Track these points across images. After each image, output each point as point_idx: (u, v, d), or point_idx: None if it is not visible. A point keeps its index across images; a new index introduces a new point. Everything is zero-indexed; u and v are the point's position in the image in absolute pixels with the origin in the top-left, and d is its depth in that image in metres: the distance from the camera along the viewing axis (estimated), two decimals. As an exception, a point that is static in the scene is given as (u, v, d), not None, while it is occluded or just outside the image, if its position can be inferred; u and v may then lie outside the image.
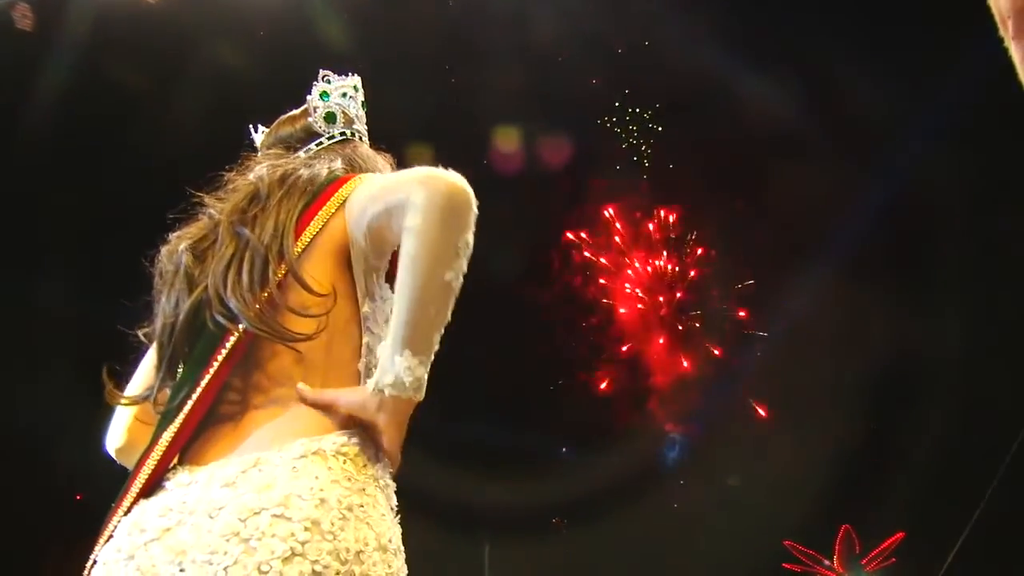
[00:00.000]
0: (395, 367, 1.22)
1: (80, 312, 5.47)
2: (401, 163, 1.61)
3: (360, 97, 1.65)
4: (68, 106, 5.13)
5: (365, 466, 1.26)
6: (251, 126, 1.69)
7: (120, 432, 1.47)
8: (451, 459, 6.22)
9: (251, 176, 1.45)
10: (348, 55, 4.80)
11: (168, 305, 1.37)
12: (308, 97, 1.61)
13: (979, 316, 6.69)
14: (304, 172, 1.43)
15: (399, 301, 1.23)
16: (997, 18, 0.74)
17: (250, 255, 1.32)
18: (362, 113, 1.65)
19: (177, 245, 1.41)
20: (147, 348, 1.48)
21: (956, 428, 6.78)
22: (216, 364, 1.29)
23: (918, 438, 6.82)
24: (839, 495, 7.33)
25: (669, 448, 8.14)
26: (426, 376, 1.24)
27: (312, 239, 1.35)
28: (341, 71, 1.67)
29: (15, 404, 5.57)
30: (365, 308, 1.39)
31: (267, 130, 1.65)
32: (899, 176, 6.80)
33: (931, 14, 5.63)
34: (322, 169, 1.45)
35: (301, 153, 1.55)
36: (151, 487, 1.27)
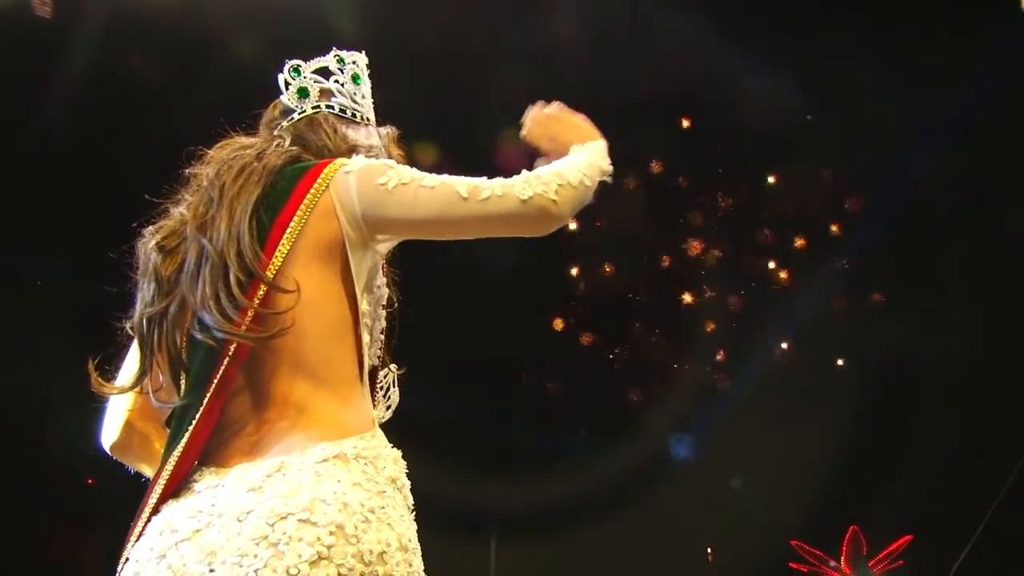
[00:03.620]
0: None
1: (91, 299, 5.49)
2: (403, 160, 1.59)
3: (351, 70, 1.59)
4: (86, 93, 5.17)
5: (384, 468, 1.30)
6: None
7: (115, 428, 1.49)
8: (457, 455, 6.24)
9: (207, 172, 1.45)
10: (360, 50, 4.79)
11: (146, 297, 1.40)
12: (280, 76, 1.58)
13: (986, 315, 6.66)
14: (255, 164, 1.41)
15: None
16: None
17: (210, 264, 1.33)
18: (354, 87, 1.59)
19: (149, 241, 1.44)
20: (133, 340, 1.49)
21: (967, 430, 6.75)
22: (218, 375, 1.30)
23: (928, 439, 6.79)
24: (847, 496, 7.31)
25: (677, 447, 8.13)
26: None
27: (295, 241, 1.34)
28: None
29: (25, 388, 5.61)
30: (363, 305, 1.41)
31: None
32: (901, 176, 6.77)
33: (934, 14, 5.61)
34: (272, 157, 1.42)
35: (273, 131, 1.54)
36: (178, 487, 1.29)
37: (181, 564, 1.19)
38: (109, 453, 1.49)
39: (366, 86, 1.61)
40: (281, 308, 1.30)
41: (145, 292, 1.40)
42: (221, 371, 1.29)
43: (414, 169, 1.37)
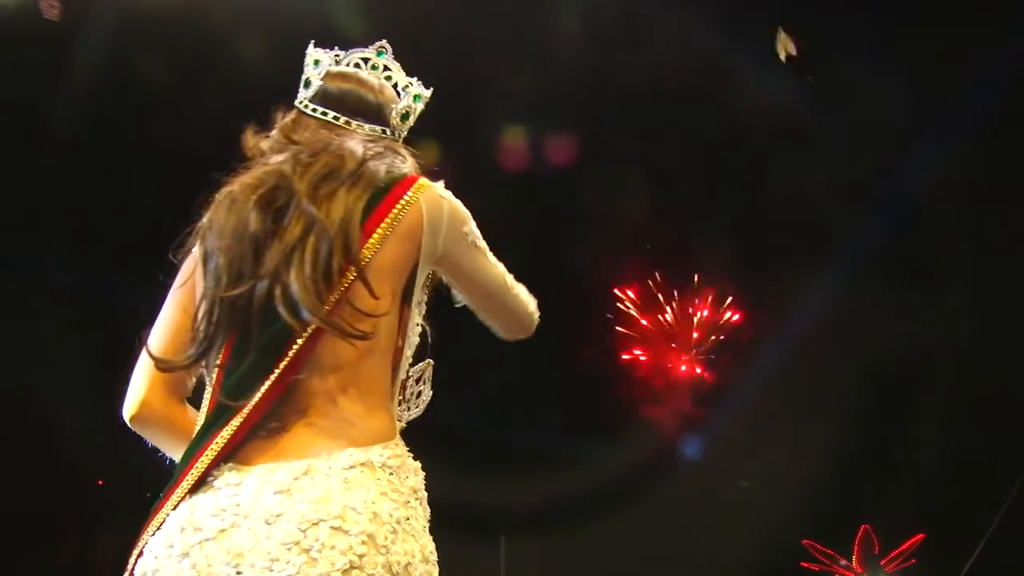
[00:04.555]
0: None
1: (99, 299, 5.53)
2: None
3: (419, 107, 1.58)
4: (94, 96, 5.18)
5: (407, 478, 1.30)
6: (312, 43, 1.56)
7: (137, 399, 1.41)
8: (467, 455, 6.25)
9: (341, 141, 1.40)
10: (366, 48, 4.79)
11: (229, 270, 1.31)
12: (402, 86, 1.55)
13: (993, 313, 6.63)
14: (376, 165, 1.39)
15: None
16: None
17: (314, 244, 1.28)
18: (412, 121, 1.59)
19: (246, 197, 1.34)
20: (164, 296, 1.44)
21: (979, 428, 6.72)
22: (284, 364, 1.27)
23: (940, 438, 6.76)
24: (859, 495, 7.29)
25: (686, 446, 8.12)
26: None
27: (384, 239, 1.32)
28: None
29: (34, 388, 5.63)
30: (415, 318, 1.42)
31: (336, 71, 1.53)
32: (903, 176, 6.75)
33: (937, 14, 5.59)
34: (381, 166, 1.40)
35: (366, 126, 1.49)
36: (198, 483, 1.26)
37: (206, 564, 1.17)
38: (128, 425, 1.41)
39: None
40: (364, 307, 1.28)
41: (223, 260, 1.31)
42: (289, 357, 1.25)
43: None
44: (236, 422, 1.26)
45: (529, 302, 1.52)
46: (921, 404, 6.98)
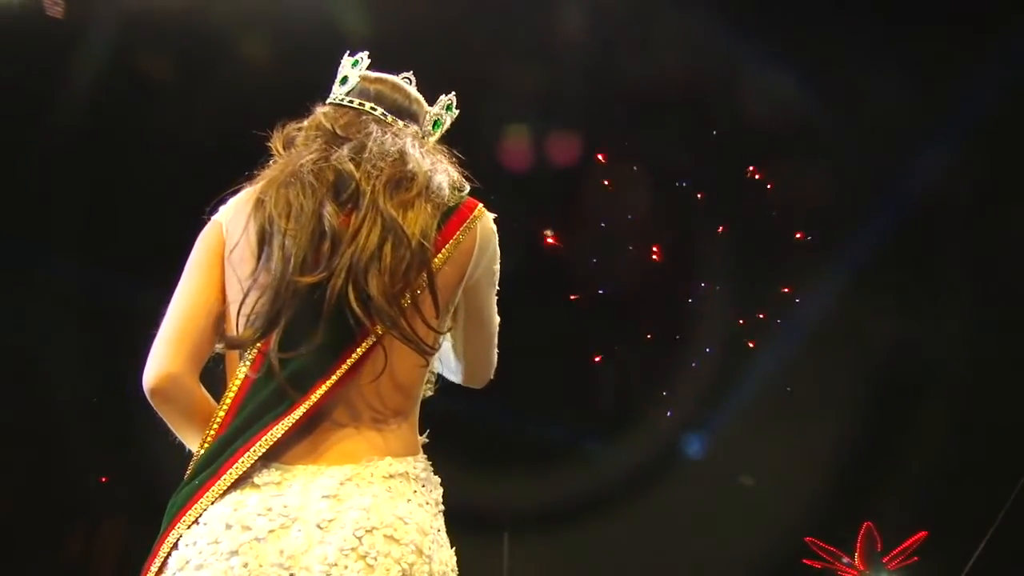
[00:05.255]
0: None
1: (101, 297, 5.54)
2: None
3: (448, 120, 1.60)
4: (96, 94, 5.19)
5: (432, 491, 1.33)
6: (348, 55, 1.58)
7: (160, 371, 1.34)
8: (470, 451, 6.25)
9: (404, 145, 1.40)
10: (373, 52, 4.80)
11: (298, 253, 1.28)
12: (443, 98, 1.58)
13: (997, 310, 6.62)
14: (440, 179, 1.39)
15: None
16: None
17: (394, 249, 1.28)
18: (429, 128, 1.60)
19: (317, 183, 1.33)
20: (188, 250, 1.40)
21: (982, 425, 6.71)
22: (349, 363, 1.27)
23: (943, 436, 6.75)
24: (861, 493, 7.28)
25: (688, 444, 8.12)
26: None
27: (447, 259, 1.36)
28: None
29: (38, 387, 5.64)
30: (448, 339, 1.48)
31: (371, 75, 1.54)
32: (905, 176, 6.75)
33: (938, 14, 5.58)
34: (446, 181, 1.41)
35: (401, 123, 1.49)
36: (240, 478, 1.25)
37: (258, 565, 1.17)
38: (148, 396, 1.35)
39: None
40: (435, 324, 1.33)
41: (293, 243, 1.28)
42: (354, 357, 1.26)
43: None
44: (288, 420, 1.24)
45: (492, 370, 1.60)
46: (924, 401, 6.97)
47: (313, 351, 1.26)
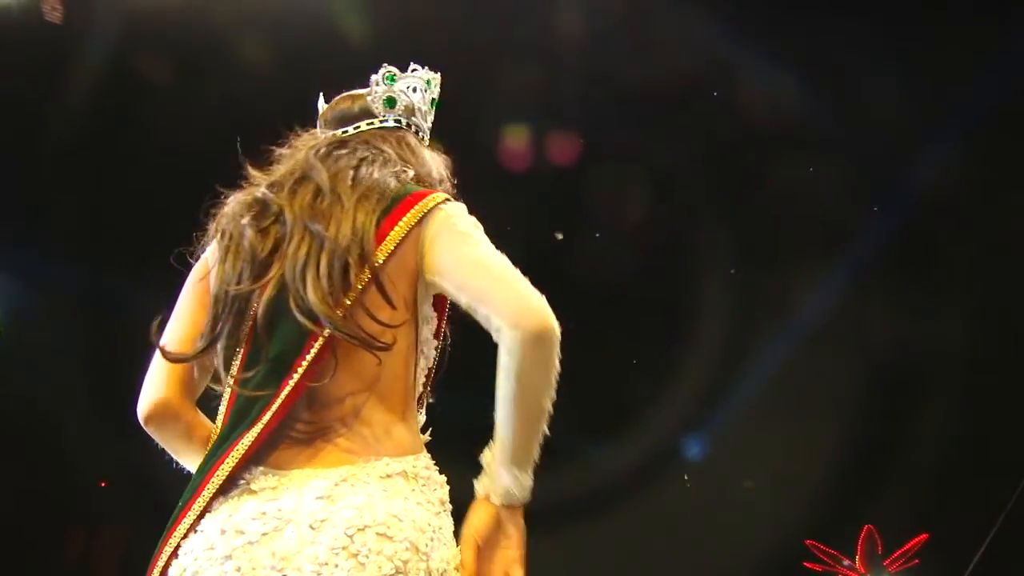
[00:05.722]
0: (505, 482, 1.34)
1: (102, 300, 5.54)
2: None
3: (431, 94, 1.60)
4: (95, 99, 5.19)
5: (435, 490, 1.33)
6: (320, 94, 1.62)
7: (152, 399, 1.42)
8: (471, 453, 6.23)
9: (310, 163, 1.43)
10: (372, 51, 4.81)
11: (232, 272, 1.36)
12: (373, 77, 1.57)
13: (997, 310, 6.62)
14: (376, 174, 1.41)
15: (505, 423, 1.33)
16: None
17: (328, 256, 1.31)
18: (428, 109, 1.60)
19: (239, 213, 1.40)
20: (173, 302, 1.47)
21: (983, 427, 6.71)
22: (302, 368, 1.29)
23: (944, 438, 6.75)
24: (862, 495, 7.28)
25: (689, 447, 8.12)
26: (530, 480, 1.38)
27: (391, 253, 1.34)
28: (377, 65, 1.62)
29: (37, 390, 5.64)
30: (424, 333, 1.43)
31: (327, 105, 1.60)
32: (905, 176, 6.75)
33: (938, 14, 5.59)
34: (388, 175, 1.42)
35: (350, 129, 1.52)
36: (230, 485, 1.27)
37: (251, 568, 1.18)
38: (143, 425, 1.42)
39: (433, 113, 1.63)
40: (379, 315, 1.30)
41: (230, 267, 1.37)
42: (307, 361, 1.28)
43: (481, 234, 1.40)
44: (257, 428, 1.27)
45: (532, 291, 1.32)
46: (924, 403, 6.97)
47: (269, 361, 1.30)
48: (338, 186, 1.37)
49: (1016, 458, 6.59)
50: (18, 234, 5.34)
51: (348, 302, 1.29)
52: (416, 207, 1.36)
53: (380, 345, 1.29)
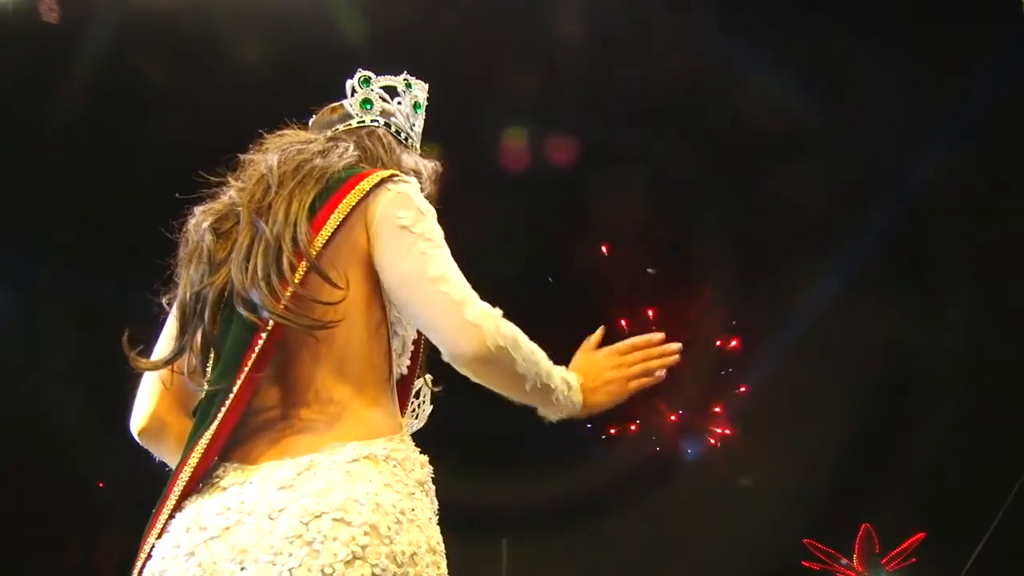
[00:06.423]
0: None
1: (100, 302, 5.53)
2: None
3: (413, 97, 1.60)
4: (93, 100, 5.19)
5: (412, 471, 1.31)
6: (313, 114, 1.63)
7: (144, 413, 1.44)
8: (468, 456, 6.25)
9: (266, 159, 1.44)
10: (373, 53, 4.81)
11: (195, 275, 1.38)
12: (349, 81, 1.57)
13: (995, 311, 6.63)
14: (319, 161, 1.41)
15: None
16: None
17: (263, 246, 1.32)
18: (411, 112, 1.60)
19: (202, 220, 1.42)
20: (166, 316, 1.48)
21: (979, 426, 6.72)
22: (251, 361, 1.29)
23: (941, 437, 6.76)
24: (860, 495, 7.29)
25: (688, 445, 8.13)
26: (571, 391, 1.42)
27: (332, 236, 1.33)
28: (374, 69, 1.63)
29: (36, 391, 5.63)
30: (393, 313, 1.41)
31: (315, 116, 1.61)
32: (903, 177, 6.76)
33: (938, 14, 5.59)
34: (334, 157, 1.42)
35: (328, 132, 1.52)
36: (201, 485, 1.28)
37: (211, 562, 1.18)
38: (137, 439, 1.45)
39: (422, 117, 1.62)
40: (323, 297, 1.29)
41: (193, 271, 1.38)
42: (255, 353, 1.28)
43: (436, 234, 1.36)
44: (215, 424, 1.28)
45: (469, 313, 1.27)
46: (922, 403, 6.98)
47: (222, 357, 1.32)
48: (284, 178, 1.38)
49: (1013, 457, 6.60)
50: (16, 231, 5.33)
51: (289, 290, 1.28)
52: (357, 187, 1.35)
53: (319, 325, 1.27)
